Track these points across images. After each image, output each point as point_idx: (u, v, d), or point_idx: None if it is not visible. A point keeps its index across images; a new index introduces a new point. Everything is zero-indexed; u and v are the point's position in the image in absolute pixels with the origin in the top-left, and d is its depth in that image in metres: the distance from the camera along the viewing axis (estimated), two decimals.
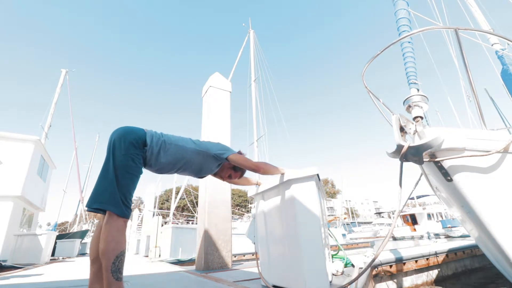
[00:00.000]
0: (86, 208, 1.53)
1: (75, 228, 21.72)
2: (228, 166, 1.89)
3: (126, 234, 1.43)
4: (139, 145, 1.51)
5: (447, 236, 18.95)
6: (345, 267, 2.54)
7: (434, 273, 3.52)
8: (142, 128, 1.62)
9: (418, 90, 2.40)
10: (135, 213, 15.54)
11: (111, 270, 1.31)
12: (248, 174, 2.00)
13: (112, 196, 1.38)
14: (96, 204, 1.39)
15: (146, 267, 4.52)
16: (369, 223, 46.97)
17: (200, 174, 1.85)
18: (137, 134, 1.54)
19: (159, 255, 7.97)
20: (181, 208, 35.63)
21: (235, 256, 8.55)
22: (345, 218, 25.52)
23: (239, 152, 1.91)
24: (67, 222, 31.52)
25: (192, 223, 16.54)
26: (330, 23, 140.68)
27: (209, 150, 1.74)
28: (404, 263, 3.20)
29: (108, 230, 1.36)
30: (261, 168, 1.78)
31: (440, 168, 2.06)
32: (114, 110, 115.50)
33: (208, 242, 3.55)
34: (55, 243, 9.83)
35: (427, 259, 3.45)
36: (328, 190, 63.63)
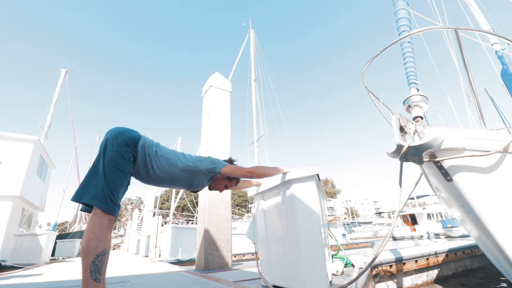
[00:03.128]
0: (79, 209, 1.51)
1: (75, 228, 21.74)
2: (221, 178, 1.87)
3: (110, 233, 1.39)
4: (131, 144, 1.51)
5: (447, 236, 18.97)
6: (345, 267, 2.54)
7: (434, 273, 3.52)
8: (138, 132, 1.63)
9: (418, 90, 2.41)
10: (135, 213, 15.54)
11: (90, 270, 1.26)
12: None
13: (100, 192, 1.35)
14: (83, 199, 1.36)
15: (146, 267, 4.52)
16: (369, 223, 47.01)
17: (191, 188, 1.82)
18: (132, 134, 1.54)
19: (159, 255, 7.97)
20: (181, 208, 35.62)
21: (235, 256, 8.55)
22: (345, 218, 25.53)
23: (230, 160, 1.92)
24: (67, 222, 31.53)
25: (192, 223, 16.52)
26: (330, 23, 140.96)
27: (200, 167, 1.72)
28: (404, 263, 3.20)
29: (91, 227, 1.32)
30: (255, 173, 1.75)
31: (440, 168, 2.06)
32: (114, 110, 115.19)
33: (208, 242, 3.55)
34: (55, 243, 9.84)
35: (427, 259, 3.46)
36: (328, 190, 63.61)
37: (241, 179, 2.08)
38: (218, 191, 1.98)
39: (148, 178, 1.62)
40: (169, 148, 1.75)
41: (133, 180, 1.65)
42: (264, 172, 1.80)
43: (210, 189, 1.93)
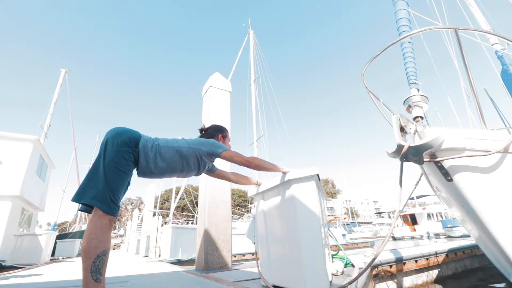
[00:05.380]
0: (78, 209, 1.51)
1: (75, 228, 21.74)
2: None
3: (111, 233, 1.39)
4: (132, 145, 1.52)
5: (447, 236, 18.97)
6: (345, 267, 2.54)
7: (434, 273, 3.52)
8: (138, 132, 1.64)
9: (418, 90, 2.41)
10: (135, 213, 15.53)
11: (91, 270, 1.26)
12: (248, 173, 2.00)
13: (100, 192, 1.35)
14: (83, 199, 1.36)
15: (146, 267, 4.51)
16: (369, 223, 47.02)
17: (200, 171, 1.86)
18: (132, 134, 1.55)
19: (159, 255, 7.97)
20: (181, 208, 35.61)
21: (235, 256, 8.55)
22: (345, 218, 25.53)
23: (219, 128, 2.08)
24: (67, 222, 31.51)
25: (192, 223, 16.52)
26: (330, 23, 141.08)
27: (202, 148, 1.76)
28: (404, 263, 3.20)
29: (91, 227, 1.32)
30: (252, 163, 1.77)
31: (440, 168, 2.06)
32: (114, 110, 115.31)
33: (208, 242, 3.55)
34: (55, 243, 9.83)
35: (427, 259, 3.45)
36: (328, 190, 63.62)
37: (241, 175, 2.15)
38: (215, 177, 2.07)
39: (157, 172, 1.63)
40: (169, 138, 1.77)
41: (133, 180, 1.66)
42: (261, 164, 1.80)
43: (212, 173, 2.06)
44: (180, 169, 1.70)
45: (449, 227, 20.24)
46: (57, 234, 10.66)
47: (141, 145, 1.56)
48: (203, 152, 1.75)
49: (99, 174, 1.40)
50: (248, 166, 1.78)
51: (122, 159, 1.45)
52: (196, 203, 12.36)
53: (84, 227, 20.60)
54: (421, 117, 2.15)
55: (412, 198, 26.47)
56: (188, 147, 1.72)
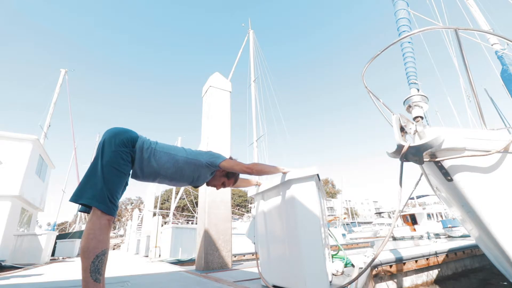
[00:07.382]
0: (78, 209, 1.49)
1: (75, 228, 21.73)
2: (220, 174, 1.87)
3: (109, 233, 1.38)
4: (129, 145, 1.51)
5: (447, 236, 18.96)
6: (345, 267, 2.54)
7: (434, 273, 3.52)
8: (136, 132, 1.62)
9: (418, 90, 2.40)
10: (135, 213, 15.54)
11: (90, 270, 1.26)
12: (247, 175, 1.98)
13: (98, 192, 1.35)
14: (82, 199, 1.35)
15: (146, 267, 4.52)
16: (369, 223, 46.99)
17: (193, 183, 1.81)
18: (130, 134, 1.54)
19: (159, 255, 7.97)
20: (181, 208, 35.62)
21: (235, 256, 8.55)
22: (345, 218, 25.52)
23: (229, 158, 1.91)
24: (67, 222, 31.51)
25: (192, 223, 16.53)
26: (330, 23, 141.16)
27: (200, 159, 1.72)
28: (404, 263, 3.20)
29: (90, 227, 1.32)
30: (254, 170, 1.74)
31: (440, 168, 2.06)
32: (114, 110, 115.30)
33: (208, 242, 3.55)
34: (55, 243, 9.83)
35: (427, 259, 3.45)
36: (328, 190, 63.62)
37: (241, 177, 2.08)
38: (215, 188, 1.96)
39: (147, 175, 1.61)
40: (168, 144, 1.74)
41: (132, 180, 1.65)
42: (262, 169, 1.78)
43: (208, 184, 1.93)
44: (170, 176, 1.66)
45: (449, 227, 20.21)
46: (57, 234, 10.67)
47: (138, 145, 1.55)
48: (201, 163, 1.71)
49: (97, 174, 1.39)
50: (250, 173, 1.75)
51: (120, 159, 1.45)
52: (196, 203, 12.37)
53: (84, 227, 20.55)
54: (421, 117, 2.15)
55: (412, 198, 26.45)
56: (185, 156, 1.69)
